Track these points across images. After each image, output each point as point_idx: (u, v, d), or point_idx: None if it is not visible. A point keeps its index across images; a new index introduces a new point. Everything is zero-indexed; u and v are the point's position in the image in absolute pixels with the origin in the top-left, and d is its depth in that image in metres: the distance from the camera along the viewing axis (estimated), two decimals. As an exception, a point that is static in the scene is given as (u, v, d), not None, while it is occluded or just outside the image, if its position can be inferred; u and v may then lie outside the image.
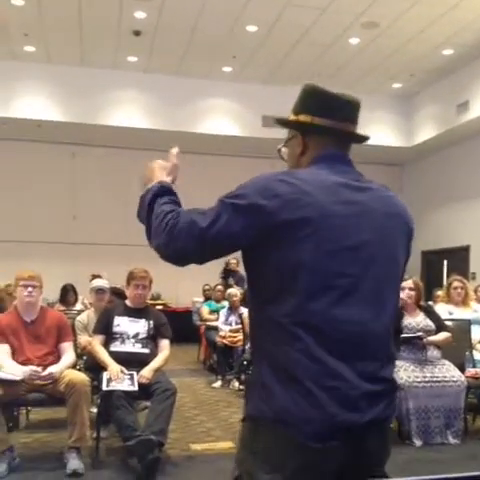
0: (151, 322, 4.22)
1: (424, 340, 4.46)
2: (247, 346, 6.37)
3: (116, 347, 4.10)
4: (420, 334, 4.44)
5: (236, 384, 6.53)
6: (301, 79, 9.35)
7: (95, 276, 9.44)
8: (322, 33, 8.76)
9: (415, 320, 4.47)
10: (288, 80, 10.41)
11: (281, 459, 1.37)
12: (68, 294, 7.39)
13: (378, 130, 11.25)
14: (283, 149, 1.66)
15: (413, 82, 10.60)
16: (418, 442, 4.24)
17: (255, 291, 1.47)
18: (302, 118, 1.54)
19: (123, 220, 11.50)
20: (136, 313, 4.24)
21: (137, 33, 8.79)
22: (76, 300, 7.42)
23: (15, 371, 3.70)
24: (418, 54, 9.38)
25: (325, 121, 1.52)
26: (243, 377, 6.42)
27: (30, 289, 3.93)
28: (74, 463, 3.60)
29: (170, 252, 1.48)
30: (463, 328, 4.97)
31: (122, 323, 4.18)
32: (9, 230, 10.74)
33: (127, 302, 4.36)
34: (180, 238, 1.43)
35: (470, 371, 4.64)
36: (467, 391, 4.42)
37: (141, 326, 4.19)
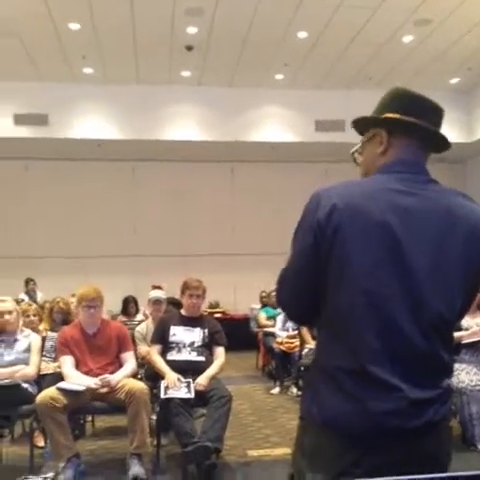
0: (206, 330, 4.31)
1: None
2: (304, 351, 6.35)
3: (173, 356, 4.21)
4: (483, 337, 4.29)
5: (294, 390, 6.50)
6: (353, 82, 9.37)
7: (155, 287, 9.68)
8: (374, 33, 8.65)
9: (475, 321, 4.33)
10: (340, 84, 10.36)
11: (327, 460, 1.42)
12: (129, 305, 7.62)
13: (437, 128, 10.99)
14: (357, 154, 1.66)
15: (471, 76, 10.24)
16: (484, 447, 4.10)
17: None
18: (390, 115, 1.52)
19: (180, 231, 11.78)
20: (191, 322, 4.33)
21: (189, 48, 8.98)
22: (137, 311, 7.64)
23: (81, 381, 3.87)
24: (474, 47, 9.07)
25: (413, 119, 1.50)
26: (301, 383, 6.40)
27: (92, 311, 4.12)
28: (135, 469, 3.71)
29: None
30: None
31: (178, 332, 4.28)
32: (75, 247, 11.17)
33: (182, 311, 4.47)
34: None
35: None
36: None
37: (196, 335, 4.28)
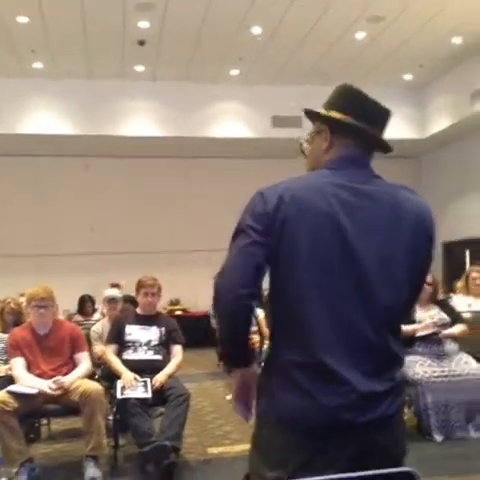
0: (163, 329, 4.25)
1: (440, 334, 4.39)
2: (264, 347, 6.34)
3: (129, 355, 4.13)
4: (435, 330, 4.37)
5: (256, 386, 6.50)
6: (309, 78, 9.41)
7: (114, 285, 9.53)
8: (327, 30, 8.71)
9: (428, 314, 4.41)
10: (296, 79, 10.40)
11: (283, 456, 1.42)
12: (86, 305, 7.47)
13: (392, 123, 11.05)
14: (305, 144, 1.68)
15: (424, 73, 10.44)
16: (439, 437, 4.17)
17: None
18: (334, 114, 1.57)
19: (140, 228, 11.62)
20: (147, 320, 4.26)
21: (142, 42, 8.84)
22: (94, 310, 7.49)
23: (34, 384, 3.75)
24: (427, 44, 9.24)
25: (356, 122, 1.55)
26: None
27: (42, 310, 4.00)
28: (91, 471, 3.64)
29: None
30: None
31: (134, 331, 4.20)
32: (27, 245, 10.90)
33: (138, 310, 4.39)
34: None
35: None
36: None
37: (153, 333, 4.21)
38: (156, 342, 4.19)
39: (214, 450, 4.26)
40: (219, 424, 5.04)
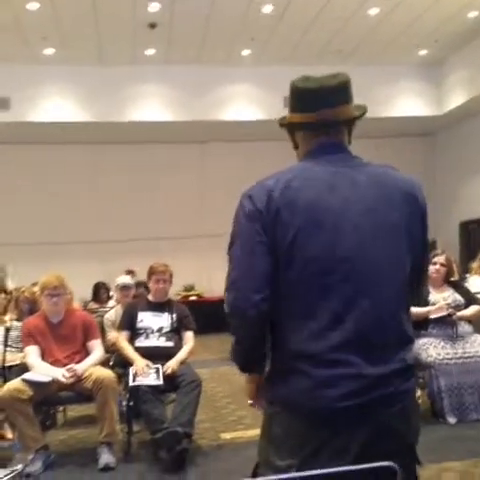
0: (174, 315, 4.25)
1: (454, 316, 4.33)
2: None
3: (141, 342, 4.15)
4: (449, 311, 4.31)
5: (270, 370, 6.50)
6: (322, 56, 9.25)
7: (128, 272, 9.58)
8: (339, 6, 8.54)
9: (442, 295, 4.34)
10: (309, 59, 10.22)
11: (293, 445, 1.43)
12: (100, 292, 7.51)
13: (407, 100, 10.95)
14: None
15: (439, 48, 10.21)
16: (452, 420, 4.13)
17: None
18: (287, 117, 1.60)
19: (152, 214, 11.62)
20: (159, 307, 4.27)
21: (153, 25, 8.78)
22: (109, 297, 7.54)
23: (48, 372, 3.79)
24: (442, 18, 9.03)
25: (298, 116, 1.55)
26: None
27: (55, 299, 4.02)
28: (105, 458, 3.68)
29: None
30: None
31: (145, 318, 4.21)
32: (41, 233, 10.97)
33: (149, 297, 4.40)
34: None
35: None
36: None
37: (164, 320, 4.22)
38: (168, 329, 4.19)
39: (227, 435, 4.27)
40: (232, 409, 5.06)
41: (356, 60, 10.34)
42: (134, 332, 4.21)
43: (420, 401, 4.61)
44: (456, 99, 10.59)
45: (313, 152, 1.55)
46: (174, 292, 10.75)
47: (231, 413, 4.93)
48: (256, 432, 4.32)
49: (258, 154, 11.80)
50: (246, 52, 10.07)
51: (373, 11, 8.79)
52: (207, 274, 11.46)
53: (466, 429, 4.01)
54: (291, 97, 1.57)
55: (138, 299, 4.77)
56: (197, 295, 11.51)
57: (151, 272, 4.33)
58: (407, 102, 10.96)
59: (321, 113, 1.51)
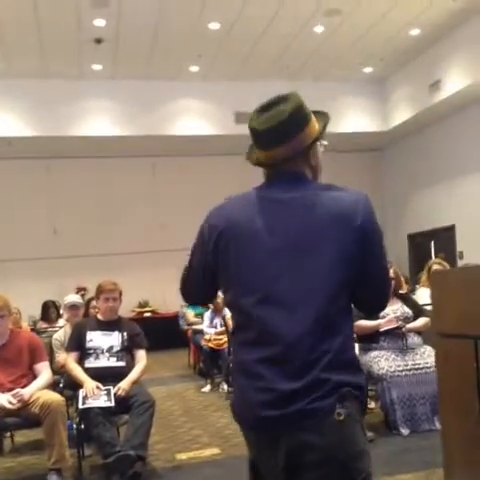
0: (125, 334, 4.13)
1: (403, 328, 4.41)
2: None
3: (91, 363, 4.01)
4: (399, 324, 4.38)
5: (225, 387, 6.43)
6: (270, 72, 9.35)
7: (80, 289, 9.37)
8: (285, 24, 8.69)
9: (391, 308, 4.41)
10: (257, 75, 10.35)
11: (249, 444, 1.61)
12: (49, 311, 7.29)
13: (354, 116, 11.20)
14: None
15: (384, 65, 10.53)
16: (405, 431, 4.17)
17: None
18: (255, 153, 1.68)
19: (106, 230, 11.43)
20: (108, 326, 4.14)
21: (99, 41, 8.69)
22: (59, 316, 7.32)
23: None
24: (385, 37, 9.31)
25: (258, 153, 1.64)
26: (231, 379, 6.34)
27: None
28: (55, 485, 3.53)
29: None
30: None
31: (95, 338, 4.08)
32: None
33: (99, 316, 4.28)
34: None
35: None
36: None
37: (114, 339, 4.10)
38: (118, 348, 4.07)
39: (183, 456, 4.17)
40: (188, 428, 4.97)
41: (304, 76, 10.53)
42: (83, 352, 4.06)
43: (374, 412, 4.69)
44: (401, 115, 10.91)
45: (264, 183, 1.67)
46: (128, 309, 10.58)
47: (187, 432, 4.83)
48: (212, 451, 4.31)
49: (212, 169, 11.84)
50: (194, 68, 10.11)
51: (318, 29, 8.98)
52: (162, 290, 11.33)
53: (419, 440, 4.05)
54: (251, 135, 1.63)
55: (86, 319, 4.63)
56: (152, 311, 11.35)
57: (100, 291, 4.21)
58: (354, 118, 11.22)
59: (274, 152, 1.59)
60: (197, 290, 1.77)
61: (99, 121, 10.13)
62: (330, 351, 1.48)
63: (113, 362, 4.02)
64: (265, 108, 1.59)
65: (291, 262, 1.51)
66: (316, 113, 1.67)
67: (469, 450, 1.50)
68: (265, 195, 1.60)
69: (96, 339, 4.08)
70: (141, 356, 4.15)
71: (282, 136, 1.56)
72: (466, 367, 1.50)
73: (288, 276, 1.51)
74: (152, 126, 10.23)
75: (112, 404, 3.71)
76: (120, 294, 4.21)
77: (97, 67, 9.68)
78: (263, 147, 1.59)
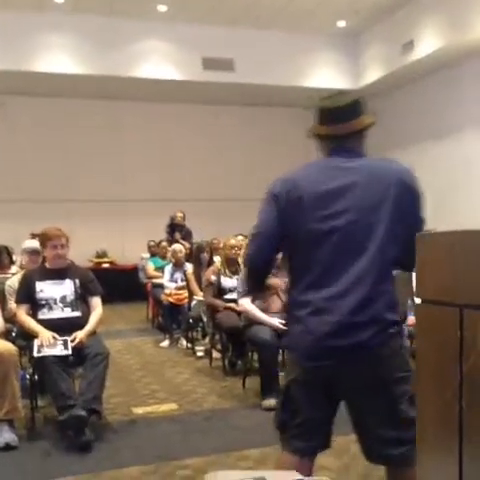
0: (77, 281, 3.92)
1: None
2: (193, 303, 6.20)
3: (44, 315, 3.82)
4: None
5: (184, 342, 6.37)
6: (241, 19, 8.92)
7: (35, 235, 9.03)
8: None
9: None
10: (228, 20, 9.94)
11: (290, 373, 2.01)
12: (2, 256, 6.97)
13: (325, 72, 10.96)
14: None
15: (358, 20, 10.23)
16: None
17: None
18: (311, 131, 2.11)
19: (63, 175, 11.01)
20: (58, 275, 3.91)
21: (62, -30, 8.11)
22: (12, 262, 7.03)
23: None
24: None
25: (320, 128, 2.06)
26: (190, 335, 6.28)
27: None
28: (6, 436, 3.44)
29: None
30: (404, 276, 4.87)
31: (45, 288, 3.86)
32: None
33: (47, 265, 4.03)
34: None
35: (412, 319, 4.59)
36: (411, 339, 4.36)
37: (66, 288, 3.89)
38: (72, 297, 3.87)
39: (139, 410, 4.11)
40: (146, 383, 4.90)
41: (275, 27, 10.18)
42: (35, 304, 3.84)
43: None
44: (372, 74, 10.70)
45: (325, 155, 2.06)
46: (85, 258, 10.33)
47: (144, 387, 4.77)
48: (169, 407, 4.25)
49: (175, 117, 11.49)
50: (162, 8, 9.59)
51: (295, -24, 8.62)
52: (121, 241, 11.10)
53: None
54: (317, 113, 2.07)
55: (33, 268, 4.33)
56: (110, 262, 11.11)
57: (46, 238, 3.94)
58: (325, 73, 10.97)
59: (331, 128, 2.01)
60: (267, 248, 2.02)
61: (56, 57, 9.50)
62: (387, 292, 1.87)
63: (68, 312, 3.85)
64: (328, 97, 2.08)
65: (357, 217, 1.86)
66: (368, 112, 2.12)
67: (444, 423, 1.44)
68: (328, 164, 1.99)
69: (47, 289, 3.87)
70: (96, 303, 3.98)
71: (345, 116, 2.01)
72: (449, 336, 1.42)
73: (354, 228, 1.86)
74: (113, 66, 9.68)
75: (69, 352, 3.57)
76: (67, 240, 3.98)
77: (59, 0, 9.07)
78: (324, 122, 2.03)
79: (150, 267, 8.04)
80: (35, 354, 3.57)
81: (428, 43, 9.18)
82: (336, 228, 1.86)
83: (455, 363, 1.36)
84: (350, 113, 2.04)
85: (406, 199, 1.91)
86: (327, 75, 10.97)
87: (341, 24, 10.43)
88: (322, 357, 1.84)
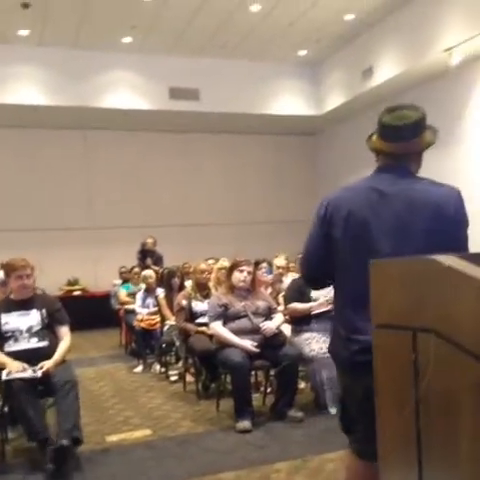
0: (44, 311, 3.90)
1: (333, 312, 4.49)
2: (165, 328, 6.23)
3: (10, 347, 3.77)
4: (330, 307, 4.48)
5: (157, 367, 6.36)
6: (206, 49, 9.14)
7: (3, 265, 8.93)
8: (221, 0, 8.55)
9: (323, 292, 4.49)
10: (193, 50, 10.17)
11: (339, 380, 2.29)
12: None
13: (288, 99, 11.23)
14: None
15: (319, 49, 10.57)
16: (334, 410, 4.25)
17: None
18: (369, 144, 2.20)
19: (33, 204, 10.95)
20: (24, 305, 3.89)
21: (26, 5, 8.21)
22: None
23: None
24: (321, 20, 9.34)
25: (380, 143, 2.10)
26: (164, 359, 6.29)
27: None
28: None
29: None
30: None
31: (10, 320, 3.83)
32: None
33: (12, 296, 4.00)
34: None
35: None
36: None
37: (33, 318, 3.86)
38: (38, 327, 3.85)
39: (113, 438, 4.09)
40: (119, 409, 4.87)
41: (240, 55, 10.44)
42: (0, 337, 3.81)
43: (304, 392, 4.78)
44: (334, 100, 11.00)
45: (378, 169, 2.13)
46: (56, 287, 10.25)
47: (118, 413, 4.74)
48: (143, 433, 4.26)
49: (143, 145, 11.58)
50: (127, 39, 9.76)
51: (255, 8, 8.88)
52: (92, 267, 11.05)
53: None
54: (379, 128, 2.11)
55: None
56: (82, 289, 11.03)
57: (11, 269, 3.92)
58: (289, 100, 11.24)
59: (393, 146, 2.05)
60: (318, 266, 2.16)
61: (24, 89, 9.55)
62: None
63: (34, 343, 3.81)
64: (393, 109, 2.07)
65: (391, 250, 1.92)
66: (430, 127, 2.09)
67: (404, 442, 1.54)
68: (373, 185, 2.05)
69: (12, 321, 3.83)
70: (64, 332, 3.95)
71: (409, 134, 2.02)
72: (404, 359, 1.53)
73: (389, 252, 1.92)
74: (81, 97, 9.77)
75: (39, 375, 3.54)
76: (32, 270, 3.99)
77: (24, 32, 9.15)
78: (385, 139, 2.06)
79: (122, 293, 8.04)
80: (4, 377, 3.52)
81: (387, 69, 9.51)
82: (376, 254, 1.90)
83: (411, 385, 1.44)
84: (413, 131, 2.03)
85: (443, 230, 1.94)
86: (291, 102, 11.25)
87: (302, 53, 10.75)
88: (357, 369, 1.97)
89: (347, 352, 2.01)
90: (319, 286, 2.46)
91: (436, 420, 1.39)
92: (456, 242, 1.94)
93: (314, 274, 2.23)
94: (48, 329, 3.90)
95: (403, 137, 2.03)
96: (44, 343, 3.84)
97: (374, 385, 1.71)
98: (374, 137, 2.14)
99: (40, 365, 3.64)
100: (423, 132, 2.05)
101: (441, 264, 1.37)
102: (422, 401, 1.44)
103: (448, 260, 1.38)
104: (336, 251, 2.06)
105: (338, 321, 2.12)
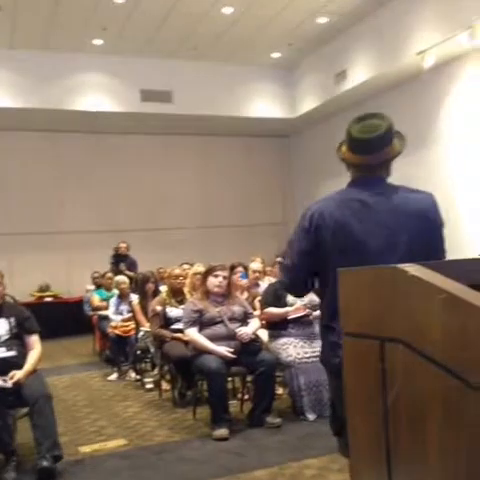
0: (12, 320, 3.79)
1: (310, 316, 4.49)
2: (140, 334, 6.13)
3: None
4: (306, 312, 4.46)
5: (132, 375, 6.25)
6: (178, 51, 9.07)
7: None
8: (194, 2, 8.49)
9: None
10: (166, 52, 10.09)
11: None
12: None
13: (262, 102, 11.23)
14: None
15: (292, 52, 10.58)
16: (311, 416, 4.25)
17: None
18: (341, 155, 2.18)
19: (2, 208, 10.72)
20: None
21: (-5, 8, 8.07)
22: None
23: None
24: (294, 23, 9.35)
25: (350, 156, 2.11)
26: (139, 367, 6.19)
27: None
28: None
29: None
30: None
31: None
32: None
33: None
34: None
35: None
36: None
37: (1, 327, 3.75)
38: (6, 336, 3.73)
39: (87, 448, 3.99)
40: (93, 419, 4.76)
41: (212, 57, 10.40)
42: None
43: (282, 398, 4.75)
44: (308, 103, 11.01)
45: (353, 182, 2.15)
46: (27, 293, 10.04)
47: (92, 423, 4.63)
48: (118, 443, 4.16)
49: (115, 147, 11.45)
50: (98, 42, 9.64)
51: (227, 10, 8.85)
52: (64, 273, 10.85)
53: (324, 425, 4.11)
54: (347, 140, 2.12)
55: None
56: (54, 296, 10.81)
57: None
58: (263, 103, 11.24)
59: (363, 158, 2.06)
60: (302, 271, 2.15)
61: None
62: None
63: (3, 353, 3.68)
64: (362, 118, 2.08)
65: (375, 258, 1.90)
66: (397, 134, 2.11)
67: (375, 449, 1.52)
68: (354, 196, 2.08)
69: None
70: (34, 341, 3.84)
71: (378, 145, 2.04)
72: (372, 367, 1.50)
73: (377, 259, 1.88)
74: (51, 99, 9.61)
75: (9, 385, 3.45)
76: (2, 277, 3.88)
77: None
78: (357, 152, 2.07)
79: (95, 299, 7.90)
80: None
81: (360, 72, 9.57)
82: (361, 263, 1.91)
83: (379, 394, 1.42)
84: (383, 141, 2.05)
85: (427, 232, 2.02)
86: (264, 105, 11.24)
87: (276, 55, 10.76)
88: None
89: (337, 358, 2.00)
90: (302, 295, 2.55)
91: (405, 430, 1.38)
92: (439, 244, 2.06)
93: (300, 286, 2.24)
94: (17, 339, 3.79)
95: (375, 148, 2.05)
96: (12, 353, 3.72)
97: (344, 394, 1.67)
98: (343, 148, 2.14)
99: (10, 375, 3.54)
100: (393, 140, 2.07)
101: (407, 273, 1.35)
102: (391, 411, 1.43)
103: (414, 269, 1.35)
104: (323, 263, 2.06)
105: (327, 329, 2.12)
